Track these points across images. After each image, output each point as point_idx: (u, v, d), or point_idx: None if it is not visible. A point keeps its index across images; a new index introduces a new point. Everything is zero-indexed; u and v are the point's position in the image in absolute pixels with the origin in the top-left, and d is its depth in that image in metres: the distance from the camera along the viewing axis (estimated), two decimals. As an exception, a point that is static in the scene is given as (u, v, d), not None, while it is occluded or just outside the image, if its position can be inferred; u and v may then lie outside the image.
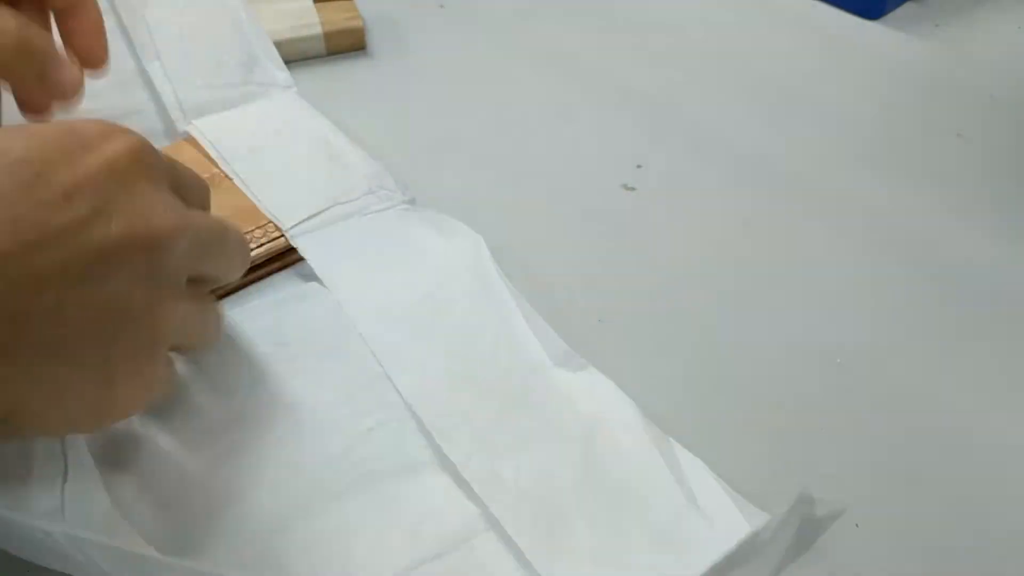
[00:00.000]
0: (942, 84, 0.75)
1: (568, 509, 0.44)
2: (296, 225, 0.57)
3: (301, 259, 0.56)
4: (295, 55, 0.74)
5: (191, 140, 0.63)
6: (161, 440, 0.46)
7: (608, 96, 0.74)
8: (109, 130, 0.37)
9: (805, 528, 0.41)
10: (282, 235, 0.56)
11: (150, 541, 0.40)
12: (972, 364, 0.54)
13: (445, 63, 0.76)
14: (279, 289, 0.55)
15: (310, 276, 0.56)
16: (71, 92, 0.51)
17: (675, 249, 0.60)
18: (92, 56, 0.53)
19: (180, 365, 0.49)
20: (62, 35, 0.53)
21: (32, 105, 0.51)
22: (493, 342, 0.51)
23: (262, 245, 0.55)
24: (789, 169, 0.67)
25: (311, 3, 0.75)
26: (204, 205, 0.46)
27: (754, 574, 0.41)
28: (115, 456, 0.45)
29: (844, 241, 0.61)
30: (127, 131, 0.38)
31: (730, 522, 0.43)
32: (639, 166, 0.67)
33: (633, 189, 0.65)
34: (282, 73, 0.71)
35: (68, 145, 0.35)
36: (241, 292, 0.55)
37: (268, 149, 0.63)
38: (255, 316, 0.53)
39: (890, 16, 0.82)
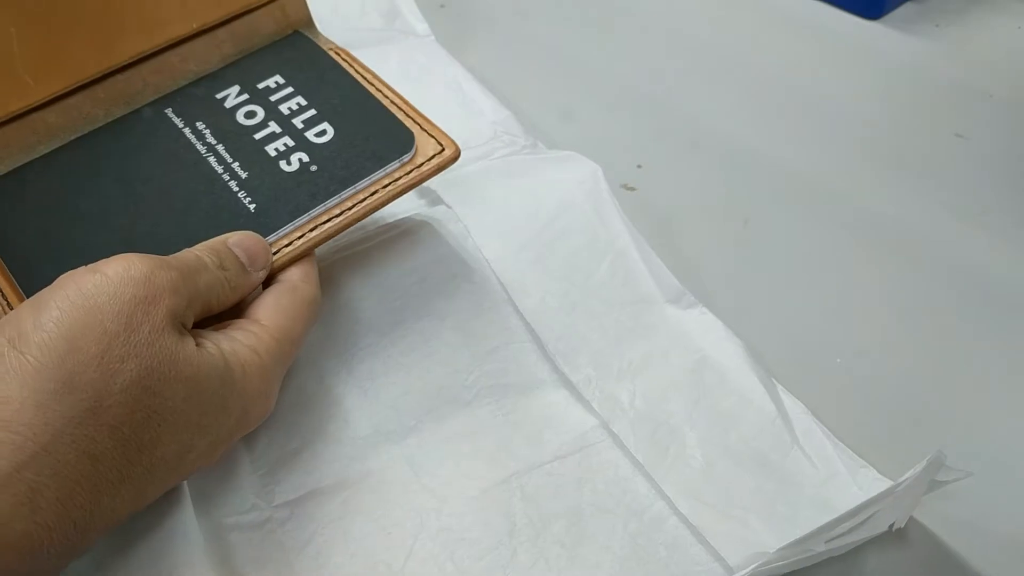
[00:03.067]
0: (942, 84, 0.74)
1: (681, 431, 0.48)
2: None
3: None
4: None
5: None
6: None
7: (608, 96, 0.73)
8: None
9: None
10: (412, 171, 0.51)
11: (296, 435, 0.47)
12: (972, 362, 0.53)
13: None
14: (410, 211, 0.58)
15: (437, 200, 0.59)
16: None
17: (675, 249, 0.59)
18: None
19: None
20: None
21: None
22: (609, 272, 0.55)
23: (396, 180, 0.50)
24: (789, 169, 0.66)
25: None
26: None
27: (872, 528, 0.43)
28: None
29: (844, 240, 0.61)
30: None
31: (832, 468, 0.46)
32: (639, 166, 0.67)
33: (633, 189, 0.65)
34: (421, 24, 0.75)
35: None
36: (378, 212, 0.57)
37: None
38: (387, 236, 0.56)
39: (890, 16, 0.82)
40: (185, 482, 0.44)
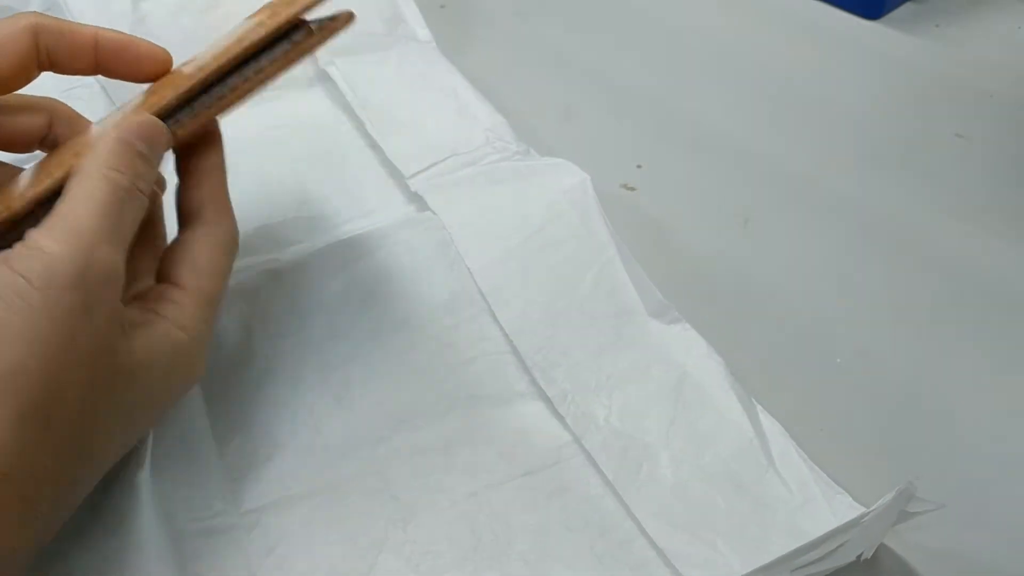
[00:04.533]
0: (942, 84, 0.73)
1: (655, 449, 0.46)
2: (415, 174, 0.59)
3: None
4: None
5: None
6: (268, 349, 0.50)
7: (608, 96, 0.72)
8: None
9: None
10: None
11: (266, 441, 0.46)
12: (972, 363, 0.52)
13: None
14: (394, 218, 0.57)
15: (424, 207, 0.57)
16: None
17: (675, 249, 0.59)
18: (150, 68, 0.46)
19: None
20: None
21: None
22: (593, 284, 0.53)
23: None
24: (789, 169, 0.65)
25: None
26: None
27: (840, 558, 0.41)
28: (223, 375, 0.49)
29: (844, 240, 0.60)
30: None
31: (807, 493, 0.44)
32: (639, 166, 0.66)
33: (633, 189, 0.64)
34: (422, 30, 0.74)
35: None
36: (354, 218, 0.58)
37: (400, 97, 0.65)
38: (369, 242, 0.55)
39: (890, 16, 0.81)
40: (149, 486, 0.43)
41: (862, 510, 0.42)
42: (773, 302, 0.55)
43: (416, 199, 0.59)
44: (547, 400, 0.48)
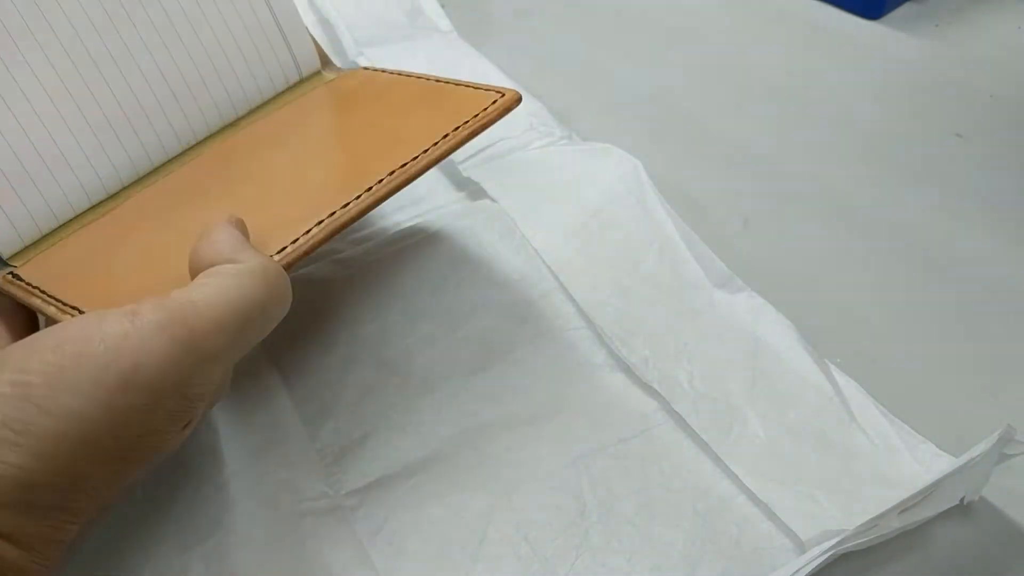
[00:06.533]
0: (942, 84, 0.74)
1: (742, 410, 0.47)
2: (466, 160, 0.60)
3: None
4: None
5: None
6: (348, 336, 0.51)
7: (609, 96, 0.72)
8: None
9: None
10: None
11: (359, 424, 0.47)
12: (971, 364, 0.52)
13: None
14: (446, 204, 0.58)
15: (477, 193, 0.58)
16: None
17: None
18: None
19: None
20: None
21: None
22: (657, 260, 0.54)
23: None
24: (789, 169, 0.65)
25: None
26: None
27: (943, 502, 0.42)
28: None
29: (843, 241, 0.60)
30: None
31: (890, 444, 0.45)
32: (638, 166, 0.66)
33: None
34: (443, 20, 0.75)
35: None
36: (405, 206, 0.58)
37: None
38: (431, 230, 0.56)
39: (890, 16, 0.82)
40: (240, 481, 0.44)
41: (946, 457, 0.44)
42: (771, 302, 0.54)
43: (465, 186, 0.59)
44: (627, 371, 0.49)
